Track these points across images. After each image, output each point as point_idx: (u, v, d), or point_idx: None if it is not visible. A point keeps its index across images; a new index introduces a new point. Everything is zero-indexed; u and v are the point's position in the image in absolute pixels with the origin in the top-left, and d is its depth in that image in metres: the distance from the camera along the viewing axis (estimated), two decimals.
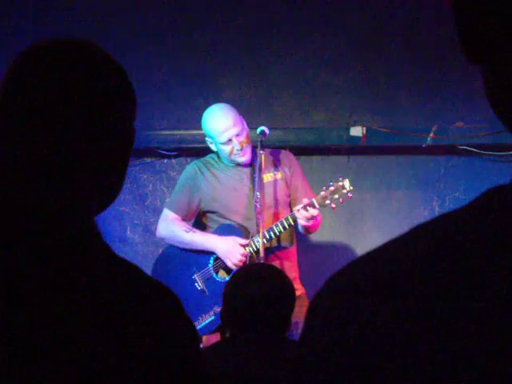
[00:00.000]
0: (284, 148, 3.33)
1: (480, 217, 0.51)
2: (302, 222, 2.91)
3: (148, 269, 3.16)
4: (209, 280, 3.07)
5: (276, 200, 3.08)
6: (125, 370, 0.77)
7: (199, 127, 3.17)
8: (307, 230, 3.08)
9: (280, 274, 2.09)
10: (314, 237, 3.61)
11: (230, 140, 2.98)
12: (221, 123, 2.98)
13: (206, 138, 3.09)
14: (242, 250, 2.95)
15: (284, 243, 3.08)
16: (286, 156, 3.20)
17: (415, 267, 0.50)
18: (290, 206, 3.12)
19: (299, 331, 0.59)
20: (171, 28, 3.80)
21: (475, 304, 0.46)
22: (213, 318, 2.99)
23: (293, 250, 3.14)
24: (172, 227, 3.11)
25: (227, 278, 2.85)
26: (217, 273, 3.08)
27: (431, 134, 3.70)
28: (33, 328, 0.77)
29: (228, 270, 3.06)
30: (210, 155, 3.20)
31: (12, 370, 0.76)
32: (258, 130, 3.02)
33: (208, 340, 2.87)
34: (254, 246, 2.96)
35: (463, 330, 0.46)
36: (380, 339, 0.48)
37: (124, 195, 3.70)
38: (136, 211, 3.85)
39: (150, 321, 0.81)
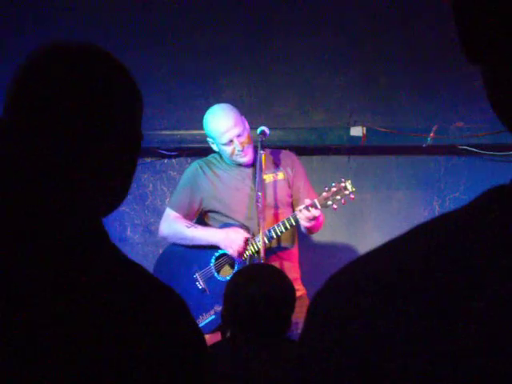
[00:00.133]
0: (284, 148, 3.33)
1: (480, 217, 0.51)
2: (303, 222, 2.91)
3: (148, 268, 3.15)
4: (210, 279, 3.08)
5: (278, 200, 3.08)
6: (125, 371, 0.77)
7: (199, 127, 3.17)
8: (309, 230, 3.08)
9: (280, 275, 2.09)
10: (315, 237, 3.61)
11: (231, 141, 2.98)
12: (222, 124, 2.98)
13: (208, 139, 3.09)
14: (243, 237, 2.95)
15: (286, 243, 3.08)
16: (288, 156, 3.20)
17: (415, 267, 0.50)
18: (292, 206, 3.12)
19: (299, 331, 0.59)
20: (171, 28, 3.80)
21: (475, 304, 0.46)
22: (213, 317, 3.00)
23: (294, 250, 3.14)
24: (174, 225, 3.12)
25: (228, 277, 2.85)
26: (218, 272, 3.08)
27: (431, 134, 3.70)
28: (33, 328, 0.77)
29: (229, 269, 3.06)
30: (212, 155, 3.20)
31: (12, 370, 0.76)
32: (259, 130, 3.02)
33: (209, 340, 2.88)
34: (255, 246, 2.96)
35: (463, 329, 0.46)
36: (380, 339, 0.48)
37: None
38: (136, 211, 3.85)
39: (151, 321, 0.81)
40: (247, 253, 2.97)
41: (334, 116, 3.82)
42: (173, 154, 3.83)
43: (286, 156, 3.20)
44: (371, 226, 3.85)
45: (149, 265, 3.24)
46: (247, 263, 2.94)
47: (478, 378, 0.45)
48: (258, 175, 2.97)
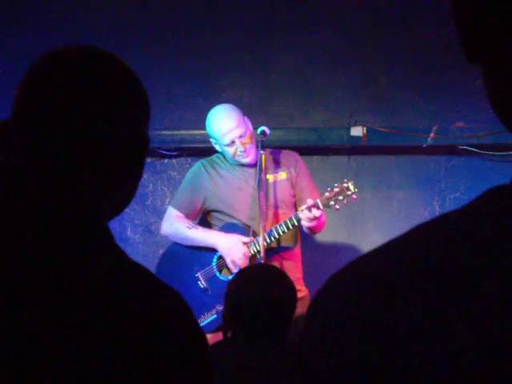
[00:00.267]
0: (284, 148, 3.33)
1: (480, 217, 0.51)
2: (304, 222, 2.91)
3: (149, 268, 3.16)
4: (212, 278, 3.08)
5: (281, 200, 3.09)
6: (126, 371, 0.77)
7: (200, 127, 3.18)
8: (311, 230, 3.08)
9: (281, 275, 2.09)
10: (315, 237, 3.61)
11: (233, 142, 2.98)
12: (223, 125, 2.98)
13: (211, 139, 3.09)
14: (243, 250, 2.95)
15: (288, 244, 3.08)
16: (291, 156, 3.20)
17: (415, 267, 0.50)
18: (296, 206, 3.12)
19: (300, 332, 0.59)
20: (172, 28, 3.80)
21: (475, 304, 0.46)
22: (215, 316, 3.00)
23: (297, 250, 3.14)
24: (175, 224, 3.12)
25: (230, 277, 2.85)
26: (220, 271, 3.08)
27: (432, 134, 3.70)
28: (33, 328, 0.77)
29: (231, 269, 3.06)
30: (216, 154, 3.20)
31: (12, 370, 0.76)
32: (259, 130, 3.03)
33: (211, 339, 2.88)
34: (257, 246, 2.96)
35: (463, 329, 0.46)
36: (380, 339, 0.48)
37: None
38: (136, 211, 3.85)
39: (152, 322, 0.81)
40: (243, 264, 2.96)
41: (334, 116, 3.82)
42: (173, 154, 3.82)
43: (290, 156, 3.20)
44: (371, 226, 3.85)
45: (149, 265, 3.22)
46: (249, 263, 2.94)
47: (477, 378, 0.45)
48: (257, 175, 2.98)
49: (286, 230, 2.96)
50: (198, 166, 3.19)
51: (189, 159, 3.80)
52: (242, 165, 3.09)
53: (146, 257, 3.78)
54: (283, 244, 3.06)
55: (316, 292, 0.56)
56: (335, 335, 0.51)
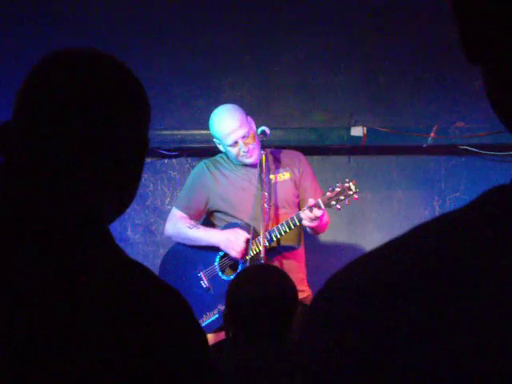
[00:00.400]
0: (285, 148, 3.34)
1: (480, 217, 0.51)
2: (306, 222, 2.91)
3: (150, 268, 3.16)
4: (214, 278, 3.08)
5: (284, 200, 3.09)
6: (126, 371, 0.77)
7: (200, 127, 3.18)
8: (314, 230, 3.08)
9: (282, 275, 2.09)
10: (315, 237, 3.61)
11: (236, 142, 2.98)
12: (226, 126, 2.98)
13: (214, 139, 3.09)
14: (243, 237, 2.95)
15: (292, 243, 3.08)
16: (295, 156, 3.20)
17: (415, 267, 0.50)
18: (299, 206, 3.12)
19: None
20: (172, 28, 3.80)
21: (475, 304, 0.46)
22: (217, 316, 3.01)
23: (301, 250, 3.13)
24: (178, 225, 3.13)
25: (232, 277, 2.85)
26: (223, 271, 3.08)
27: (432, 134, 3.70)
28: (33, 328, 0.77)
29: (234, 269, 3.06)
30: (219, 155, 3.20)
31: (12, 370, 0.76)
32: (259, 131, 3.03)
33: (213, 339, 2.88)
34: (259, 246, 2.96)
35: (463, 329, 0.46)
36: (380, 339, 0.48)
37: None
38: (136, 211, 3.85)
39: (152, 322, 0.81)
40: (250, 253, 2.97)
41: (334, 116, 3.82)
42: (173, 154, 3.83)
43: (294, 156, 3.20)
44: (371, 225, 3.86)
45: (149, 265, 3.22)
46: (251, 263, 2.95)
47: (478, 378, 0.45)
48: (258, 175, 2.98)
49: (287, 230, 2.96)
50: (201, 166, 3.18)
51: (189, 159, 3.81)
52: (246, 165, 3.09)
53: (147, 257, 3.78)
54: (287, 244, 3.06)
55: (316, 292, 0.56)
56: (335, 335, 0.51)
